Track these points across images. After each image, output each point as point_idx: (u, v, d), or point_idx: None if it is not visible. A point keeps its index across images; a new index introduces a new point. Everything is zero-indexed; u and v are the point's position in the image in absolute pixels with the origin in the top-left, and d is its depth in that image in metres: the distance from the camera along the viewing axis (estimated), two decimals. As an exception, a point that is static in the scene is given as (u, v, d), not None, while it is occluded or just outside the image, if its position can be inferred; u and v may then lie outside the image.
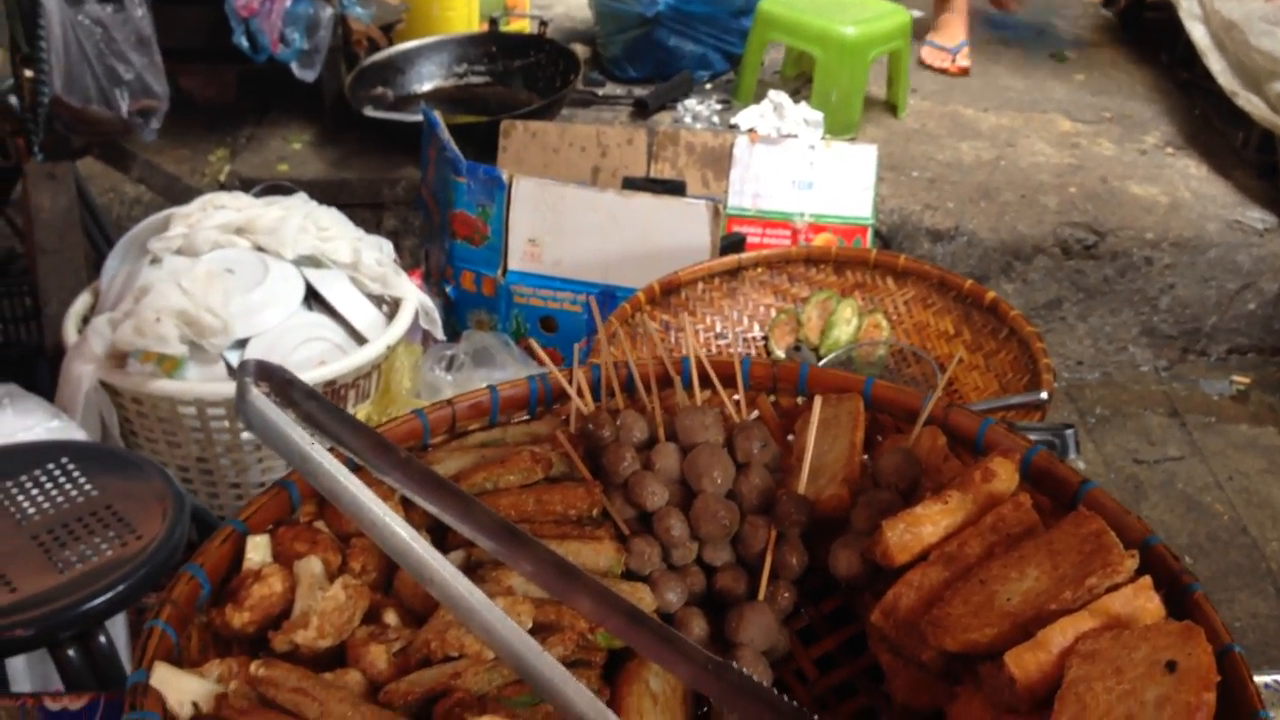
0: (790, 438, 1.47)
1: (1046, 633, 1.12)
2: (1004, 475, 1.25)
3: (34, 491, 2.08)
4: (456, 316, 3.19)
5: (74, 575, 1.91)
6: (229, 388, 2.61)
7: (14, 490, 2.08)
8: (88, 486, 2.09)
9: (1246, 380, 3.79)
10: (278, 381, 1.30)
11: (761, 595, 1.32)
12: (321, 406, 1.31)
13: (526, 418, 1.46)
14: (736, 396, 1.47)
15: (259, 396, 1.23)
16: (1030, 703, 1.12)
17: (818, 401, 1.38)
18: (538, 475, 1.34)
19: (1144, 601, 1.13)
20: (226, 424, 2.65)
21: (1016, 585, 1.17)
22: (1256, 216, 3.89)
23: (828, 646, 1.36)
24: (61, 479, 2.12)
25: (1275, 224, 3.87)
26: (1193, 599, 1.15)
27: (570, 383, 1.42)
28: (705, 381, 1.48)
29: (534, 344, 1.61)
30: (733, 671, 1.12)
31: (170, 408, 2.61)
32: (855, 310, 2.71)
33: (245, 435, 2.68)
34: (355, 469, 1.19)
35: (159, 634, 1.10)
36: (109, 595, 1.89)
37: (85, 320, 2.81)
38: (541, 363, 1.49)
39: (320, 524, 1.30)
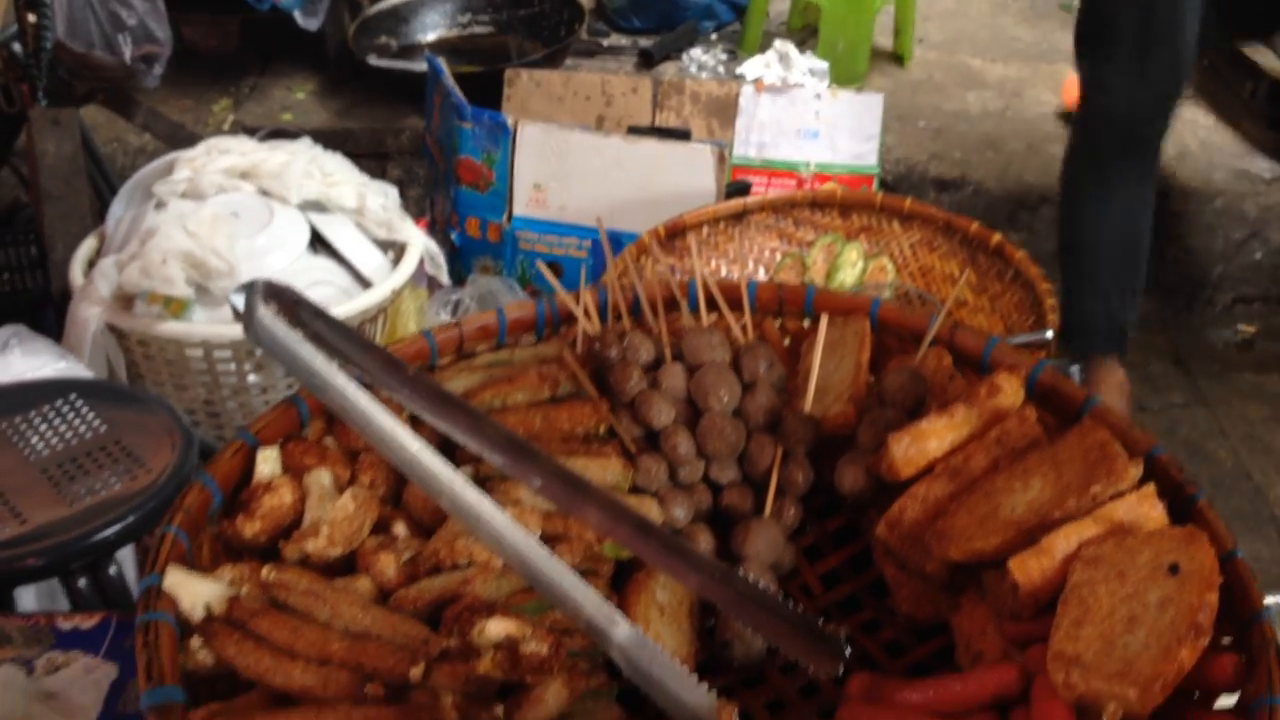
0: (796, 361, 1.48)
1: (1050, 539, 1.13)
2: (1009, 390, 1.26)
3: (43, 427, 2.09)
4: (462, 263, 3.19)
5: (83, 507, 1.93)
6: (235, 330, 2.62)
7: (23, 426, 2.10)
8: (96, 422, 2.11)
9: (1252, 329, 3.79)
10: (286, 301, 1.30)
11: (768, 511, 1.33)
12: (330, 325, 1.32)
13: (534, 340, 1.46)
14: (743, 320, 1.47)
15: (267, 314, 1.23)
16: (1033, 608, 1.13)
17: (824, 320, 1.39)
18: (545, 394, 1.35)
19: (1147, 509, 1.14)
20: (233, 367, 2.66)
21: (1021, 496, 1.18)
22: (1264, 166, 3.87)
23: (832, 563, 1.37)
24: (70, 415, 2.13)
25: (1282, 173, 3.85)
26: (1196, 507, 1.16)
27: (577, 304, 1.42)
28: (712, 305, 1.48)
29: (543, 266, 1.60)
30: (739, 579, 1.14)
31: (177, 350, 2.62)
32: (861, 254, 2.71)
33: (252, 378, 2.69)
34: (364, 388, 1.19)
35: (171, 539, 1.11)
36: (118, 527, 1.91)
37: (91, 265, 2.82)
38: (552, 285, 1.50)
39: (329, 440, 1.31)
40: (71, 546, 1.87)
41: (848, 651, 1.09)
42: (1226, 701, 1.06)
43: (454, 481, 1.16)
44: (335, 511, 1.17)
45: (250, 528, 1.18)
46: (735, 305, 1.48)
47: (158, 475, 1.99)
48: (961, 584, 1.22)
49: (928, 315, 1.39)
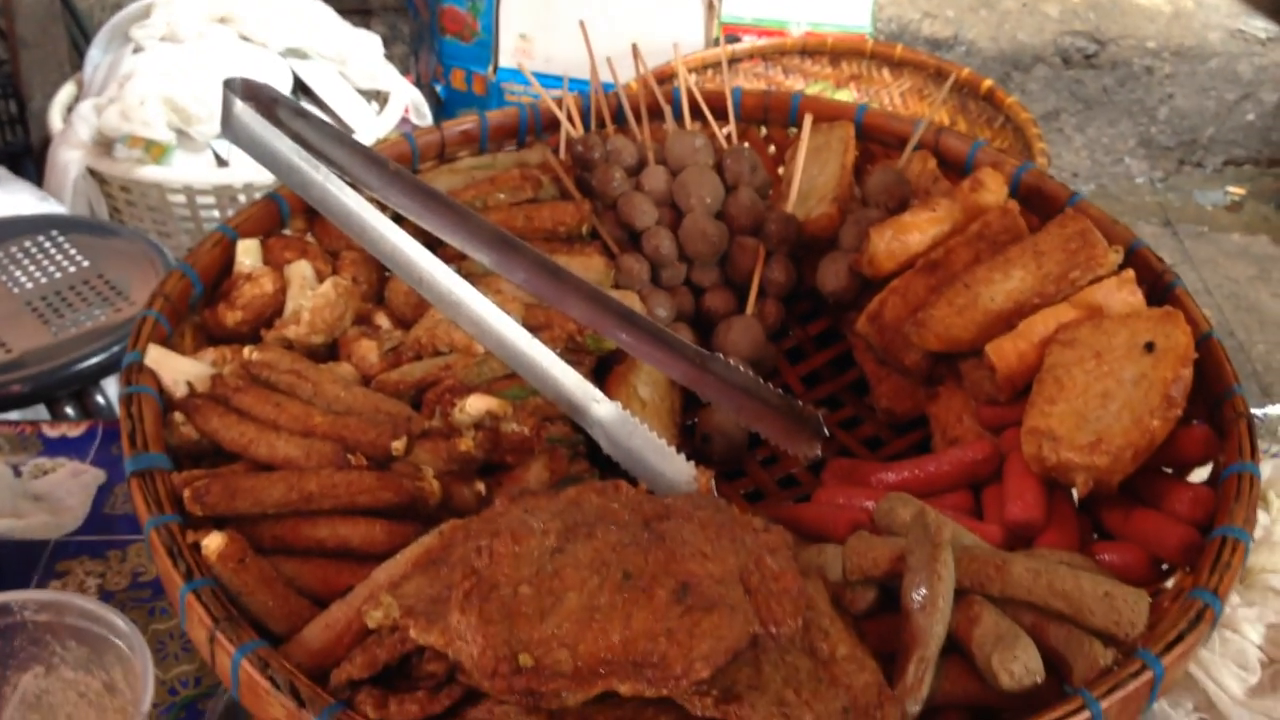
0: (781, 170, 1.47)
1: (1027, 323, 1.13)
2: (993, 186, 1.25)
3: (25, 262, 2.09)
4: (447, 116, 3.14)
5: (68, 337, 1.93)
6: (218, 175, 2.60)
7: (5, 261, 2.09)
8: (78, 257, 2.10)
9: (1241, 191, 3.77)
10: (264, 100, 1.28)
11: (749, 310, 1.33)
12: (309, 124, 1.29)
13: (515, 147, 1.44)
14: (727, 129, 1.46)
15: (245, 110, 1.21)
16: (1010, 392, 1.14)
17: (808, 121, 1.37)
18: (527, 194, 1.34)
19: (1126, 294, 1.14)
20: (216, 213, 2.63)
21: (1001, 286, 1.18)
22: (1259, 25, 3.82)
23: (814, 364, 1.38)
24: (52, 250, 2.12)
25: (1278, 33, 3.79)
26: (1174, 293, 1.16)
27: (560, 108, 1.41)
28: (696, 114, 1.46)
29: (524, 67, 1.58)
30: (720, 363, 1.14)
31: (159, 195, 2.60)
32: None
33: (236, 224, 2.66)
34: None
35: (152, 322, 1.11)
36: (102, 356, 1.91)
37: (70, 111, 2.77)
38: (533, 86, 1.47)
39: (309, 239, 1.30)
40: (56, 374, 1.88)
41: (826, 432, 1.10)
42: (1199, 475, 1.08)
43: (436, 269, 1.15)
44: (317, 299, 1.16)
45: (232, 316, 1.18)
46: (720, 115, 1.46)
47: (141, 307, 1.98)
48: (939, 377, 1.23)
49: (912, 121, 1.37)
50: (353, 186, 1.21)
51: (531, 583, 0.80)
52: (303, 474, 0.98)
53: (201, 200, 2.60)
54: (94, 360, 1.91)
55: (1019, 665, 0.85)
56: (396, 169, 1.26)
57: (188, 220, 2.64)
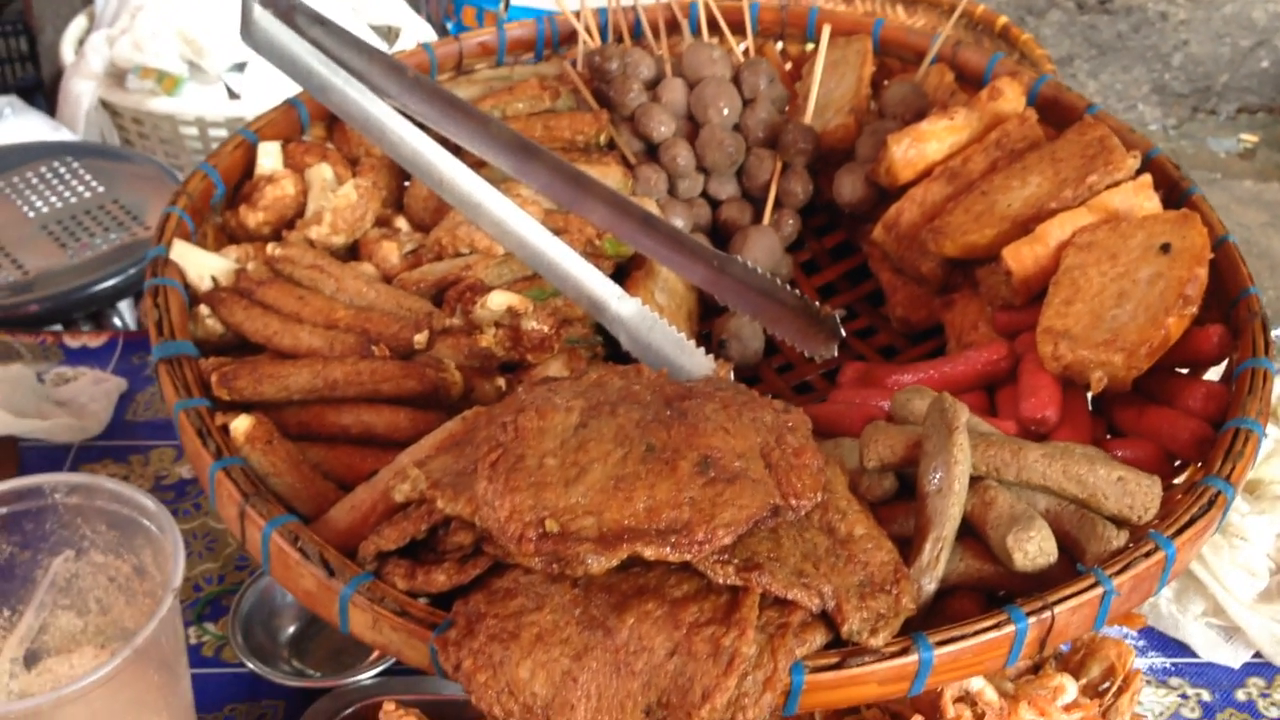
0: (797, 86, 1.47)
1: (1044, 227, 1.14)
2: (1011, 95, 1.25)
3: (40, 187, 2.10)
4: (458, 53, 3.13)
5: (84, 260, 1.94)
6: (230, 107, 2.59)
7: (21, 186, 2.10)
8: (93, 182, 2.11)
9: (1254, 138, 3.76)
10: (282, 6, 1.28)
11: (766, 221, 1.34)
12: (327, 31, 1.30)
13: (533, 60, 1.45)
14: (745, 43, 1.46)
15: (264, 15, 1.21)
16: (1026, 296, 1.15)
17: (825, 32, 1.37)
18: (545, 103, 1.34)
19: (1142, 199, 1.15)
20: (229, 146, 2.63)
21: (1018, 192, 1.19)
22: (1277, -29, 3.79)
23: (829, 277, 1.39)
24: (67, 175, 2.13)
25: (1295, -21, 3.76)
26: (1191, 199, 1.17)
27: (578, 20, 1.41)
28: (714, 29, 1.46)
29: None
30: (738, 265, 1.15)
31: (171, 128, 2.60)
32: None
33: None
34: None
35: (175, 219, 1.12)
36: (118, 279, 1.92)
37: (82, 44, 2.77)
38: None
39: (329, 146, 1.31)
40: (72, 296, 1.89)
41: (843, 332, 1.11)
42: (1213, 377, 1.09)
43: (456, 171, 1.16)
44: (338, 199, 1.17)
45: (253, 217, 1.19)
46: (737, 29, 1.46)
47: (149, 254, 2.00)
48: (955, 285, 1.24)
49: (930, 35, 1.37)
50: (372, 93, 1.22)
51: (556, 455, 0.82)
52: (328, 361, 1.00)
53: (214, 133, 2.60)
54: (110, 282, 1.92)
55: (1033, 545, 0.86)
56: (416, 75, 1.26)
57: (199, 153, 2.64)
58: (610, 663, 0.77)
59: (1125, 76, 3.83)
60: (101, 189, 2.10)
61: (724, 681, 0.76)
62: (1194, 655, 1.20)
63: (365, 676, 1.10)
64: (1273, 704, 1.16)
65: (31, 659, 1.04)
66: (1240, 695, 1.16)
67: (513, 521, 0.78)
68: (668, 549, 0.77)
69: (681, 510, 0.78)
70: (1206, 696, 1.17)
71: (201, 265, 1.09)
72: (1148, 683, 1.18)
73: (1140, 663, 1.18)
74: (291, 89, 1.32)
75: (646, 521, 0.78)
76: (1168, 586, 1.22)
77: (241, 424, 0.94)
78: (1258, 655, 1.19)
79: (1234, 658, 1.19)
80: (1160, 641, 1.21)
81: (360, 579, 0.84)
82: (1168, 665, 1.19)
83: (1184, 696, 1.17)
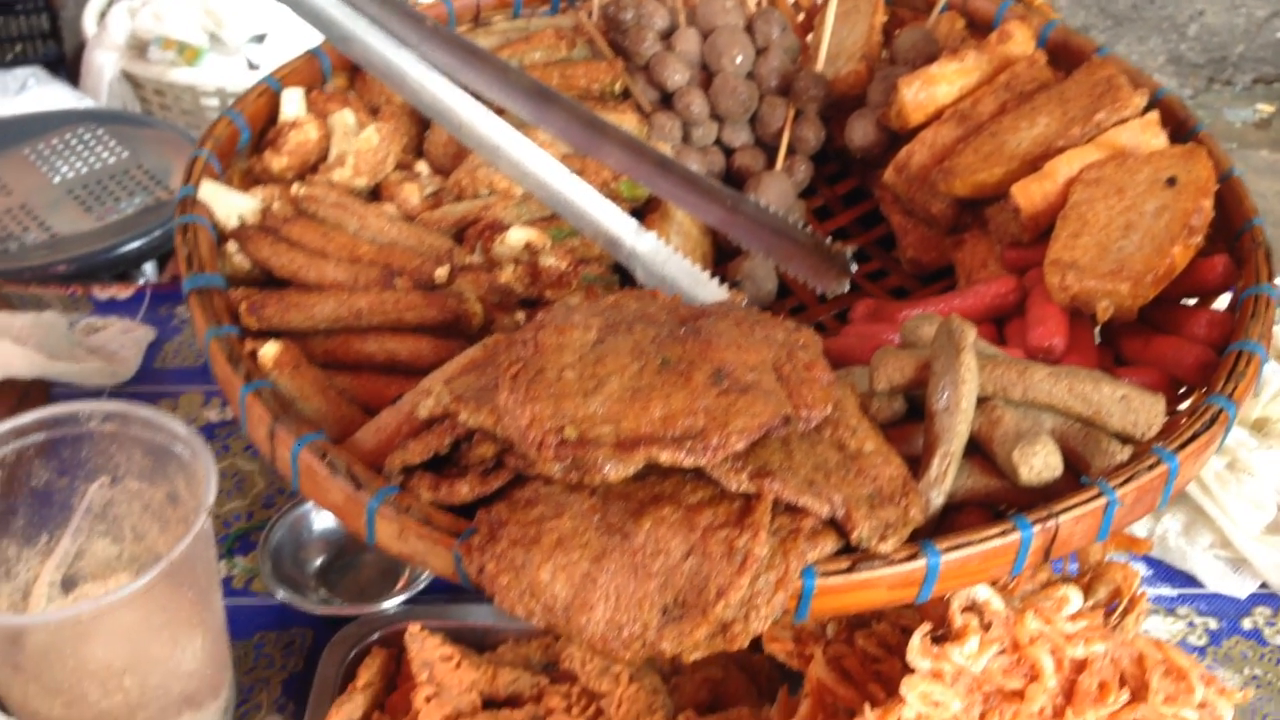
0: (809, 38, 1.49)
1: (1052, 164, 1.16)
2: (1020, 38, 1.27)
3: (66, 153, 2.14)
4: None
5: (110, 223, 1.98)
6: (250, 78, 2.63)
7: (46, 152, 2.14)
8: (117, 148, 2.15)
9: (1270, 108, 3.75)
10: (305, -41, 1.31)
11: (779, 168, 1.36)
12: (348, -18, 1.33)
13: (549, 12, 1.47)
14: (757, -6, 1.48)
15: (287, -34, 1.24)
16: (1034, 233, 1.17)
17: (838, -20, 1.40)
18: (562, 52, 1.37)
19: (1149, 136, 1.17)
20: (249, 117, 2.66)
21: (1027, 132, 1.21)
22: (1293, -60, 3.78)
23: (841, 222, 1.41)
24: (91, 141, 2.16)
25: (1311, -52, 3.76)
26: (1197, 136, 1.18)
27: (593, -27, 1.43)
28: (727, -19, 1.48)
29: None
30: (751, 205, 1.18)
31: (192, 98, 2.63)
32: None
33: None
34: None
35: (203, 161, 1.16)
36: (142, 241, 1.96)
37: (104, 16, 2.81)
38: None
39: (351, 94, 1.34)
40: (99, 257, 1.93)
41: (854, 266, 1.14)
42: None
43: (476, 114, 1.19)
44: (360, 143, 1.20)
45: (278, 162, 1.22)
46: (750, -19, 1.48)
47: (179, 194, 2.03)
48: (965, 225, 1.27)
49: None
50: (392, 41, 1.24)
51: (575, 368, 0.84)
52: (352, 291, 1.03)
53: (234, 103, 2.63)
54: (135, 244, 1.95)
55: (1038, 459, 0.89)
56: (434, 24, 1.29)
57: (221, 123, 2.67)
58: (628, 565, 0.80)
59: (1141, 47, 3.83)
60: (125, 154, 2.14)
61: (738, 580, 0.79)
62: (1201, 586, 1.22)
63: (390, 604, 1.13)
64: (1278, 632, 1.18)
65: (68, 584, 1.08)
66: (1246, 624, 1.19)
67: (533, 429, 0.80)
68: (683, 454, 0.79)
69: (696, 418, 0.81)
70: (1213, 625, 1.19)
71: (229, 204, 1.12)
72: (1155, 611, 1.20)
73: (1149, 593, 1.21)
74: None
75: (662, 429, 0.81)
76: (1176, 520, 1.24)
77: (270, 349, 0.97)
78: (1264, 586, 1.22)
79: (1240, 588, 1.21)
80: (1168, 573, 1.24)
81: (386, 491, 0.87)
82: (1175, 595, 1.22)
83: (1191, 624, 1.19)
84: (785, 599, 0.80)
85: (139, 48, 2.65)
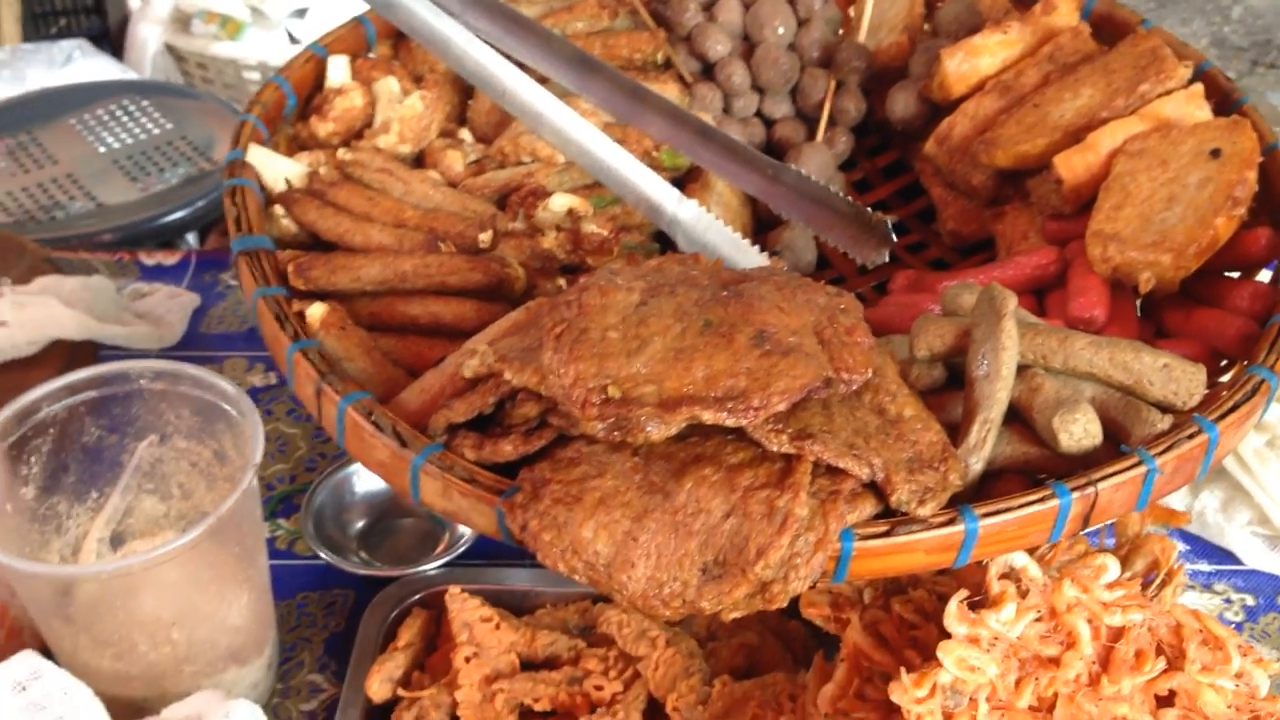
0: (851, 11, 1.49)
1: (1095, 135, 1.15)
2: (1065, 10, 1.27)
3: (111, 124, 2.16)
4: None
5: (155, 192, 2.01)
6: (292, 52, 2.65)
7: (92, 123, 2.16)
8: (161, 119, 2.17)
9: (1315, 91, 3.71)
10: (349, -72, 1.32)
11: (819, 139, 1.36)
12: (392, -49, 1.34)
13: (591, -16, 1.48)
14: (799, -33, 1.48)
15: (334, -64, 1.25)
16: (1076, 204, 1.17)
17: (881, -49, 1.39)
18: (604, 22, 1.37)
19: (1194, 108, 1.16)
20: (290, 90, 2.68)
21: (1070, 104, 1.20)
22: (1341, -80, 3.72)
23: (881, 194, 1.41)
24: (136, 113, 2.19)
25: (1361, -73, 3.70)
26: (1242, 109, 1.18)
27: (635, -57, 1.43)
28: (769, -46, 1.48)
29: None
30: (792, 174, 1.18)
31: (234, 72, 2.66)
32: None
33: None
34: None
35: (250, 126, 1.17)
36: (187, 210, 1.98)
37: (147, -10, 2.83)
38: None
39: (395, 64, 1.35)
40: (143, 226, 1.96)
41: (894, 237, 1.14)
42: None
43: (519, 82, 1.20)
44: (405, 109, 1.21)
45: (324, 128, 1.23)
46: (792, -47, 1.48)
47: (223, 164, 2.05)
48: (1006, 197, 1.26)
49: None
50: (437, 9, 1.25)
51: (618, 329, 0.85)
52: (398, 254, 1.04)
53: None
54: (179, 214, 1.98)
55: (1078, 426, 0.89)
56: (479, -7, 1.30)
57: (262, 97, 2.70)
58: (669, 524, 0.81)
59: (1184, 30, 3.78)
60: (170, 125, 2.16)
61: (778, 540, 0.80)
62: (1239, 563, 1.22)
63: (430, 567, 1.14)
64: (1316, 609, 1.18)
65: (116, 541, 1.10)
66: (1283, 600, 1.19)
67: (577, 387, 0.81)
68: (724, 414, 0.80)
69: (738, 379, 0.82)
70: (1250, 601, 1.19)
71: (276, 169, 1.14)
72: (1192, 587, 1.20)
73: (1186, 569, 1.21)
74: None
75: (704, 389, 0.81)
76: (1214, 496, 1.24)
77: (317, 310, 0.98)
78: (1302, 562, 1.21)
79: (1278, 565, 1.21)
80: (1206, 549, 1.23)
81: (431, 449, 0.88)
82: (1213, 571, 1.21)
83: (1228, 601, 1.19)
84: (824, 560, 0.81)
85: (182, 21, 2.67)
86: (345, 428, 0.92)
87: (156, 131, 2.15)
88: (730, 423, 0.80)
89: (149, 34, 2.64)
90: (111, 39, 3.11)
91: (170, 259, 1.57)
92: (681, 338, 0.85)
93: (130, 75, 2.55)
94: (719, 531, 0.81)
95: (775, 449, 0.82)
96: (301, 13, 2.74)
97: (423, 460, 0.88)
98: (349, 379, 0.96)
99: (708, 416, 0.80)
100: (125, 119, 2.18)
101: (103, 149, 2.11)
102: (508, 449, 0.87)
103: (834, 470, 0.84)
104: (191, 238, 2.05)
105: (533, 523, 0.83)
